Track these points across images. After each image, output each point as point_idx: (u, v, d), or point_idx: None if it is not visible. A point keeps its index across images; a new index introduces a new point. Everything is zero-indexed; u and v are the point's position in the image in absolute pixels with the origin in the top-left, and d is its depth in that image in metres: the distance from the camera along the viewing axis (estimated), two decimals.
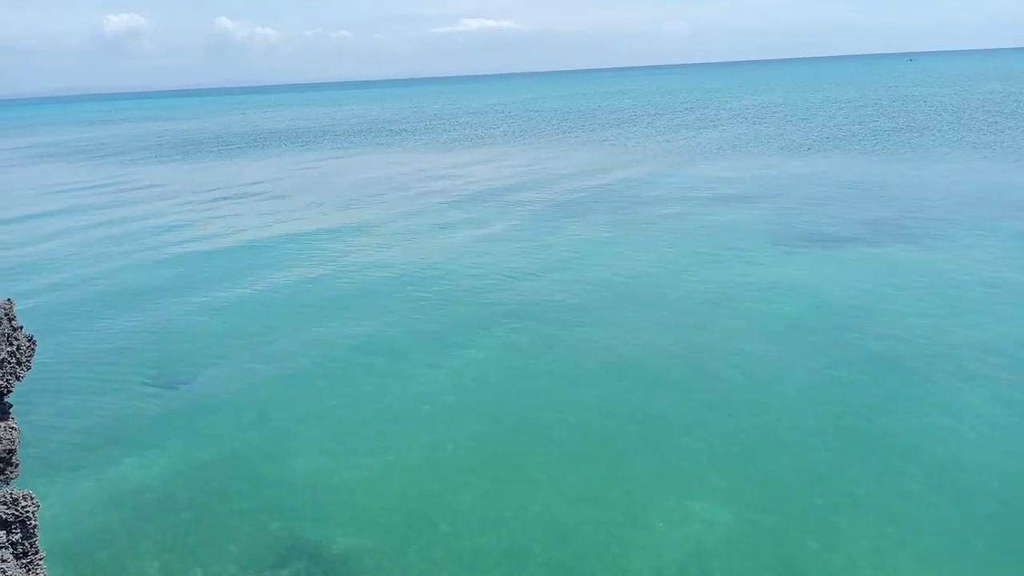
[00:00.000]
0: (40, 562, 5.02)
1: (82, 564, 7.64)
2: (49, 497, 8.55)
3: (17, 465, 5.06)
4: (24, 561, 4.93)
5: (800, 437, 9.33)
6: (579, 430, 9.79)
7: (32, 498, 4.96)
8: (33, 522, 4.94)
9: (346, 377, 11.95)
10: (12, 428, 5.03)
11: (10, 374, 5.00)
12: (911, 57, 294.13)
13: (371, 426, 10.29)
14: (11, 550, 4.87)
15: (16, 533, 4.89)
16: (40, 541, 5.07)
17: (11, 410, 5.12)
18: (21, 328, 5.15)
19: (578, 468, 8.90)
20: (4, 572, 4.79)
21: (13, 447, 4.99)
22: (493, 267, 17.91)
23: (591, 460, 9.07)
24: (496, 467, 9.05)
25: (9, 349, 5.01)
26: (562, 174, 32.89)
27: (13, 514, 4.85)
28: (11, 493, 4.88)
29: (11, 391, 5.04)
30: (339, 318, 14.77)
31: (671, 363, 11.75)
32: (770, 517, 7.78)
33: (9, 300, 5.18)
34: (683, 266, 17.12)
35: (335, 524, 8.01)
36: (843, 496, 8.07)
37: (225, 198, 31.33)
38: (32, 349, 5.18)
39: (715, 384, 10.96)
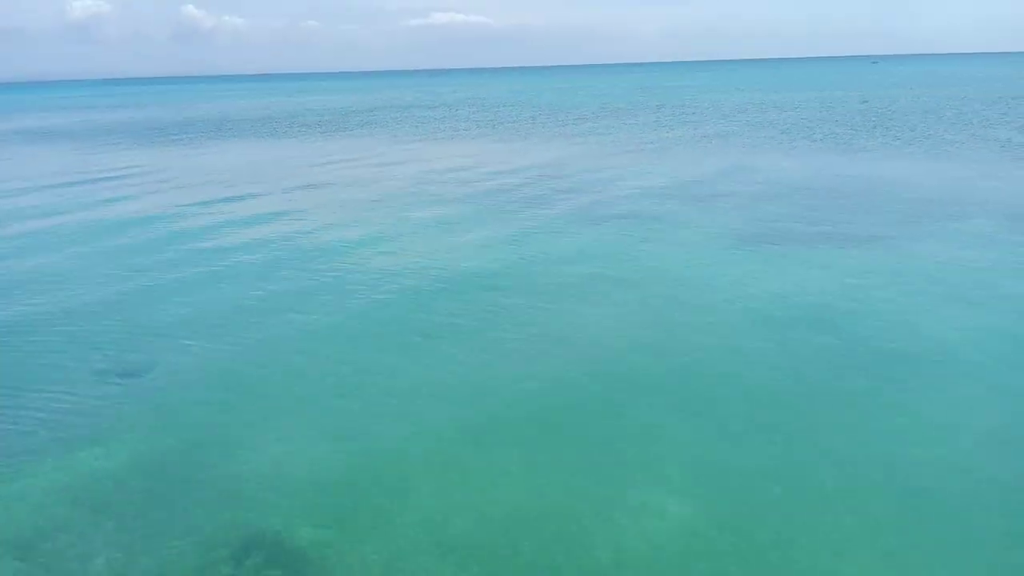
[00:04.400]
0: None
1: (34, 557, 7.45)
2: None
3: None
4: None
5: (760, 430, 9.43)
6: (543, 424, 9.80)
7: None
8: None
9: (309, 368, 11.82)
10: None
11: None
12: (874, 60, 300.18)
13: (334, 417, 10.19)
14: None
15: None
16: None
17: None
18: None
19: (542, 462, 8.90)
20: None
21: None
22: (458, 260, 17.88)
23: (555, 454, 9.08)
24: (460, 461, 9.02)
25: None
26: (529, 168, 32.93)
27: None
28: None
29: None
30: (302, 308, 14.63)
31: (633, 358, 11.80)
32: (729, 508, 7.87)
33: None
34: (645, 262, 17.25)
35: (296, 515, 7.91)
36: (801, 487, 8.19)
37: (187, 185, 30.83)
38: None
39: (677, 379, 11.04)
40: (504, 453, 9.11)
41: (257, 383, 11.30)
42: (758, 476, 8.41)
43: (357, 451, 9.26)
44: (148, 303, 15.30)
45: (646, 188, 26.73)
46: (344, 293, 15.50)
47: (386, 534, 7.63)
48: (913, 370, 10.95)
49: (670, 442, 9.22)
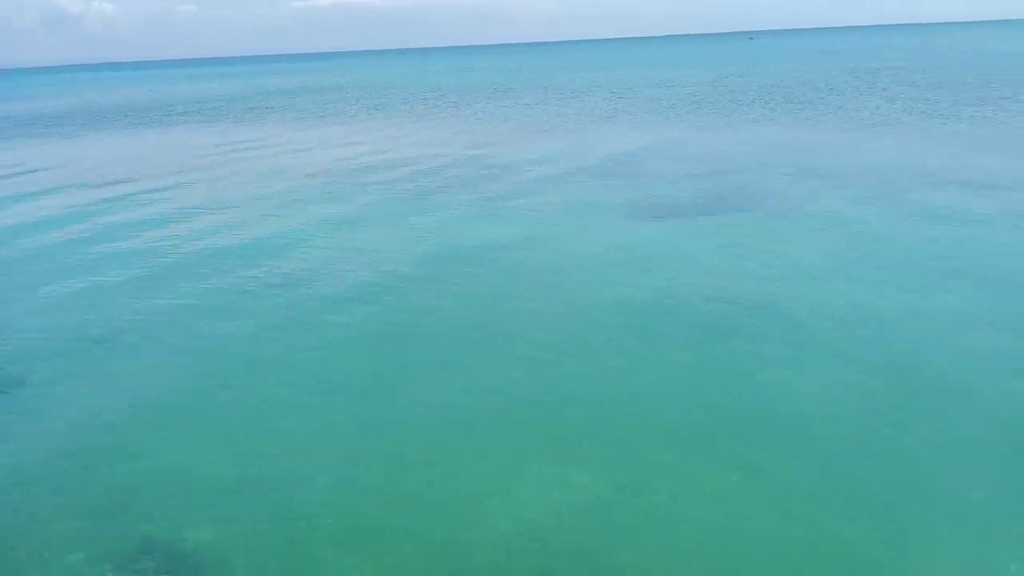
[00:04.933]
0: None
1: None
2: None
3: None
4: None
5: (653, 398, 9.77)
6: (444, 407, 9.81)
7: None
8: None
9: (197, 369, 11.41)
10: None
11: None
12: (751, 36, 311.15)
13: (225, 418, 9.90)
14: None
15: None
16: None
17: None
18: None
19: (444, 445, 8.93)
20: None
21: None
22: (349, 247, 17.60)
23: (457, 436, 9.13)
24: (361, 451, 8.94)
25: None
26: (418, 151, 32.70)
27: None
28: None
29: None
30: (187, 309, 14.05)
31: (530, 334, 11.97)
32: (623, 474, 8.14)
33: None
34: (539, 239, 17.47)
35: (188, 520, 7.67)
36: (692, 450, 8.55)
37: (57, 182, 29.02)
38: None
39: (573, 352, 11.25)
40: (405, 441, 9.08)
41: (140, 391, 10.75)
42: (651, 442, 8.72)
43: (249, 452, 9.02)
44: (21, 310, 14.40)
45: (545, 167, 26.94)
46: (229, 291, 14.98)
47: (283, 529, 7.51)
48: (797, 332, 11.51)
49: (570, 415, 9.43)
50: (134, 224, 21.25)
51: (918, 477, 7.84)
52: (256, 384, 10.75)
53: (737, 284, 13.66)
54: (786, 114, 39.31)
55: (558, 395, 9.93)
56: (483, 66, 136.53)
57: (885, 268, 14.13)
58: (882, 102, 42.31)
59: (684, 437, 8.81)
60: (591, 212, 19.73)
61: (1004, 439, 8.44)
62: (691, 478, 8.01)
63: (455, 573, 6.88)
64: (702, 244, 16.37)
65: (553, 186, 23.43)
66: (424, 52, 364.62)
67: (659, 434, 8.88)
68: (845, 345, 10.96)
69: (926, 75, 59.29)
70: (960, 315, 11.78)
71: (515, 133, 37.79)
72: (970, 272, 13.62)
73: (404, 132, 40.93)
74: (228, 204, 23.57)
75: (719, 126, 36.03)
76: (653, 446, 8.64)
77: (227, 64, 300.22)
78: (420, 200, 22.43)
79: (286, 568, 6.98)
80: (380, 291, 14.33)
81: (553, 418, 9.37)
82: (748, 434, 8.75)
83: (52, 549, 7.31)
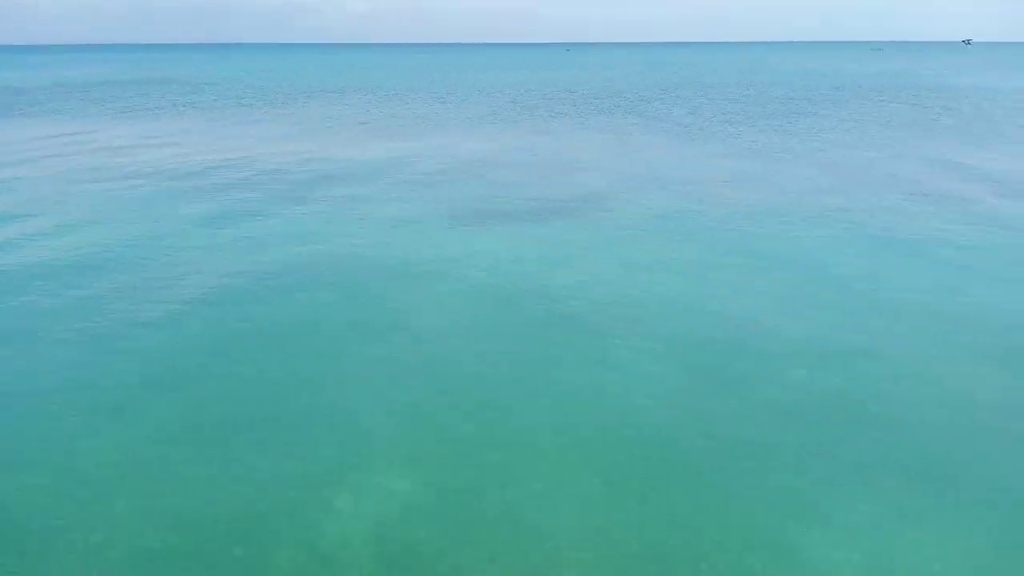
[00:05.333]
0: None
1: None
2: None
3: None
4: None
5: (477, 398, 9.69)
6: (254, 420, 9.18)
7: None
8: None
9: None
10: None
11: None
12: (568, 48, 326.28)
13: (18, 429, 8.76)
14: None
15: None
16: None
17: None
18: None
19: (257, 460, 8.34)
20: None
21: None
22: (154, 259, 16.20)
23: (270, 449, 8.56)
24: (163, 468, 8.16)
25: None
26: (239, 154, 31.00)
27: None
28: None
29: None
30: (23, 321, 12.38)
31: (348, 340, 11.54)
32: (450, 477, 7.97)
33: None
34: (364, 244, 17.00)
35: None
36: (518, 448, 8.54)
37: None
38: None
39: (394, 356, 10.97)
40: (214, 458, 8.40)
41: None
42: (475, 442, 8.62)
43: (44, 471, 8.03)
44: None
45: (373, 172, 26.32)
46: (26, 294, 13.38)
47: (75, 552, 6.72)
48: (615, 329, 11.90)
49: (391, 421, 9.14)
50: None
51: (729, 455, 8.28)
52: (45, 402, 9.59)
53: (564, 284, 13.96)
54: (599, 121, 41.08)
55: (380, 399, 9.62)
56: (302, 64, 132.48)
57: (692, 264, 15.03)
58: (685, 113, 45.42)
59: (510, 436, 8.79)
60: (423, 218, 19.46)
61: (791, 422, 9.15)
62: (517, 475, 7.98)
63: None
64: (533, 249, 16.57)
65: (382, 191, 22.96)
66: (236, 48, 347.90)
67: (482, 435, 8.81)
68: (667, 336, 11.49)
69: (736, 90, 64.33)
70: (767, 307, 12.70)
71: (339, 136, 36.80)
72: (775, 267, 14.81)
73: (224, 133, 38.61)
74: (23, 208, 21.11)
75: (541, 131, 36.99)
76: (478, 446, 8.54)
77: (22, 52, 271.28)
78: (238, 207, 21.18)
79: None
80: (192, 300, 13.33)
81: (373, 425, 9.04)
82: (575, 431, 8.88)
83: None
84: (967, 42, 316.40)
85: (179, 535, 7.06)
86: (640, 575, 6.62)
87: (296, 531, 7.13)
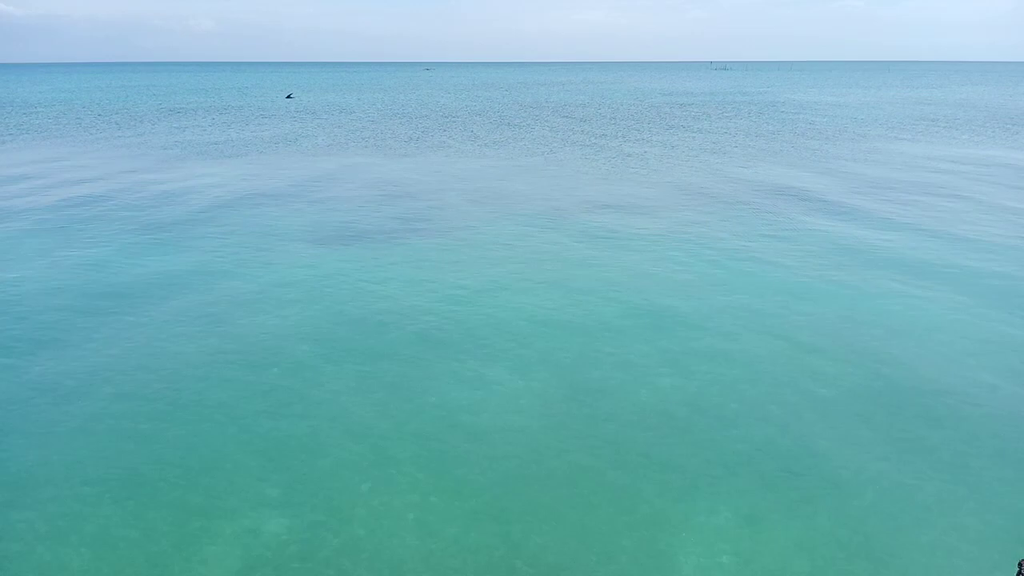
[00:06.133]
0: None
1: None
2: None
3: None
4: None
5: (346, 428, 9.60)
6: (107, 464, 8.71)
7: None
8: None
9: None
10: None
11: None
12: (427, 67, 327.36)
13: None
14: None
15: None
16: None
17: None
18: None
19: (115, 509, 7.90)
20: None
21: None
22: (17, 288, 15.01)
23: (132, 496, 8.13)
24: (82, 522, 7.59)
25: None
26: (76, 174, 29.10)
27: None
28: None
29: None
30: None
31: (203, 373, 11.16)
32: (319, 513, 7.88)
33: None
34: (218, 269, 16.43)
35: None
36: (386, 474, 8.55)
37: None
38: None
39: (254, 387, 10.71)
40: (67, 510, 7.90)
41: None
42: (341, 474, 8.56)
43: None
44: None
45: (221, 192, 25.39)
46: None
47: None
48: (482, 349, 12.09)
49: (258, 458, 8.91)
50: None
51: (600, 464, 8.62)
52: None
53: (421, 304, 14.02)
54: (466, 142, 41.44)
55: (245, 433, 9.35)
56: (147, 84, 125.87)
57: (551, 283, 15.47)
58: (546, 131, 46.65)
59: (379, 463, 8.78)
60: (273, 239, 19.00)
61: (653, 430, 9.64)
62: (385, 504, 7.99)
63: None
64: (386, 269, 16.53)
65: (232, 212, 22.20)
66: (75, 67, 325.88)
67: (352, 464, 8.75)
68: (522, 352, 11.82)
69: (588, 110, 66.56)
70: (618, 322, 13.27)
71: (186, 156, 35.24)
72: (627, 283, 15.47)
73: (63, 153, 36.00)
74: None
75: (399, 153, 36.84)
76: (349, 478, 8.48)
77: None
78: (74, 231, 19.89)
79: None
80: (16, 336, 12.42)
81: (239, 463, 8.78)
82: (444, 450, 8.99)
83: None
84: (720, 66, 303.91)
85: None
86: None
87: None
